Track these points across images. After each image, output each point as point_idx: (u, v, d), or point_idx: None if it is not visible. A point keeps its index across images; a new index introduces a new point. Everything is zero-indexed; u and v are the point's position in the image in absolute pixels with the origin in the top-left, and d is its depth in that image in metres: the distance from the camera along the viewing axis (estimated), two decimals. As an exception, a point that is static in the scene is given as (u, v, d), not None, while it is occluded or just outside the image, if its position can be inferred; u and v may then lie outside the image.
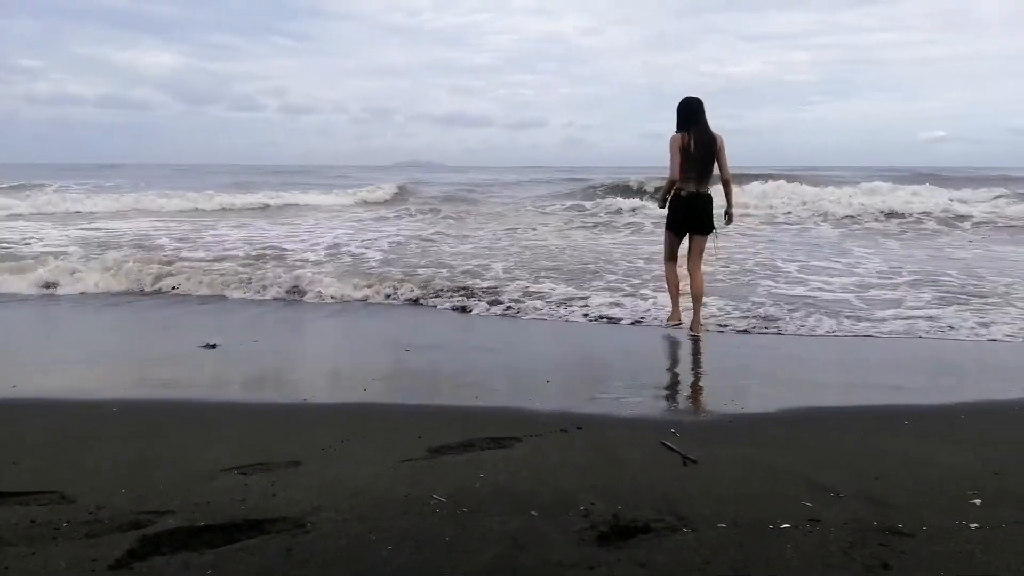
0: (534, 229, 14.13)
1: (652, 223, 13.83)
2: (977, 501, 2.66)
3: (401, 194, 23.92)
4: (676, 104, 5.78)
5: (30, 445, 3.23)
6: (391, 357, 5.26)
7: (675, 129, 5.75)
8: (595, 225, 15.13)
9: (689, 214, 5.81)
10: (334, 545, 2.28)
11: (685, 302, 5.94)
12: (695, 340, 5.61)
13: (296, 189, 23.53)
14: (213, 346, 5.24)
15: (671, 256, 6.02)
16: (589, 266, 9.18)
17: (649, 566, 2.16)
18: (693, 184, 5.74)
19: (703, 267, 5.98)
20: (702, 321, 5.82)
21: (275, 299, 7.42)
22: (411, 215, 17.55)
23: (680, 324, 5.82)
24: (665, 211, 6.04)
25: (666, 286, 6.06)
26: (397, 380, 4.59)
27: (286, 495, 2.66)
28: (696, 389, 4.50)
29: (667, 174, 5.82)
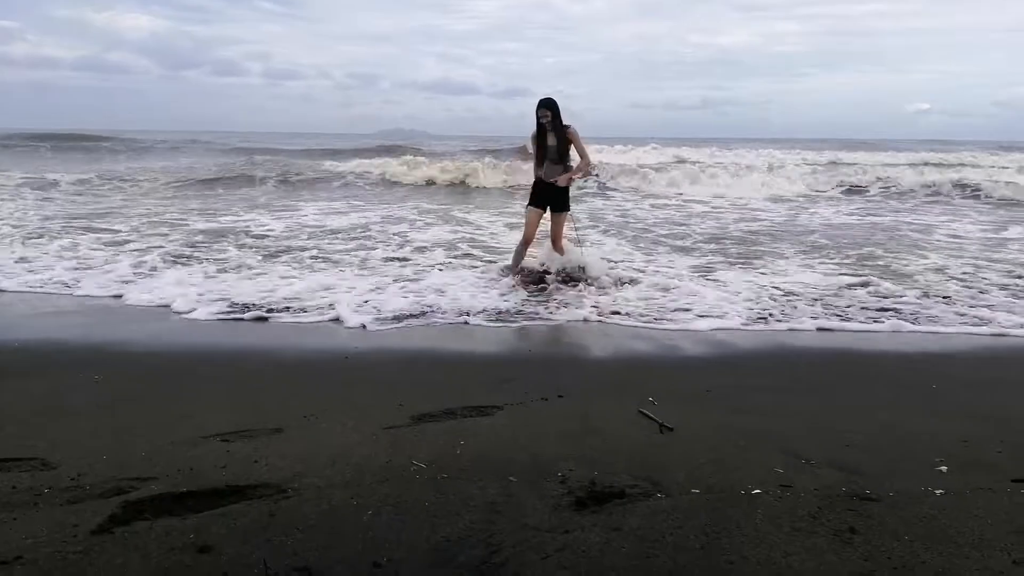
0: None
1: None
2: (944, 468, 2.74)
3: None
4: (543, 99, 6.34)
5: (11, 412, 3.24)
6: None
7: (560, 121, 6.35)
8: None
9: None
10: (315, 510, 2.32)
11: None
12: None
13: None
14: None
15: None
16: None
17: (623, 530, 2.21)
18: None
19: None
20: None
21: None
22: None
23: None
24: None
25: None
26: (379, 350, 4.60)
27: (268, 462, 2.69)
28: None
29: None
